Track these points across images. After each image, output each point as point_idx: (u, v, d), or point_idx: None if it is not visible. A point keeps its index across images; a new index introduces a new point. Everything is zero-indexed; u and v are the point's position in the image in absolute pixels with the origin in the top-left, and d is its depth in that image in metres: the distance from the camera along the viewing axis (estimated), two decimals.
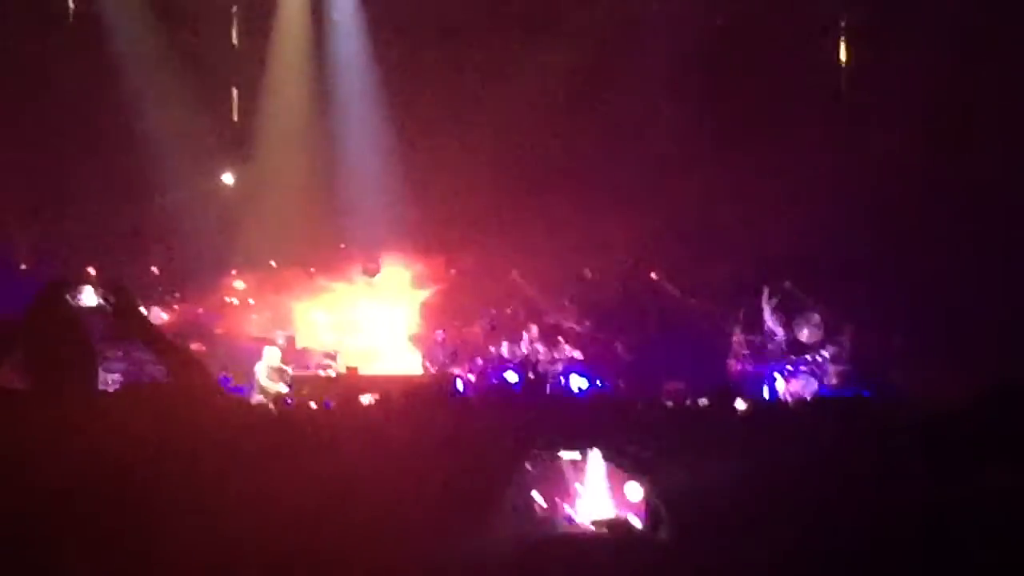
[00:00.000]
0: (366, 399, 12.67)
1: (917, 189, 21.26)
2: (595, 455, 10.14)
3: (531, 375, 21.07)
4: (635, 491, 9.35)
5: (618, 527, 9.30)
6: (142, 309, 5.83)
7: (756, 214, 22.44)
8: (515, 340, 23.17)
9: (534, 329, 23.24)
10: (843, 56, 24.66)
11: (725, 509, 6.48)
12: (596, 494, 10.04)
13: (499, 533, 6.54)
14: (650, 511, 8.65)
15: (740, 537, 6.13)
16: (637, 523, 9.02)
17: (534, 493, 9.25)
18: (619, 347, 23.43)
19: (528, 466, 8.92)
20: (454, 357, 23.16)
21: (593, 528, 9.56)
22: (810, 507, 6.05)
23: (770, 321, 21.60)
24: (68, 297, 5.89)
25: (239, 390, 19.65)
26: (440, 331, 24.05)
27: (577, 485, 10.14)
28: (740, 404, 13.34)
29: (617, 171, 24.38)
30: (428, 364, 23.70)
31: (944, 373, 17.18)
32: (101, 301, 5.71)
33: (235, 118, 25.53)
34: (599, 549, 6.68)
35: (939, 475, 6.22)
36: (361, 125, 25.41)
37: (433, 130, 24.75)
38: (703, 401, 16.37)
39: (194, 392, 5.47)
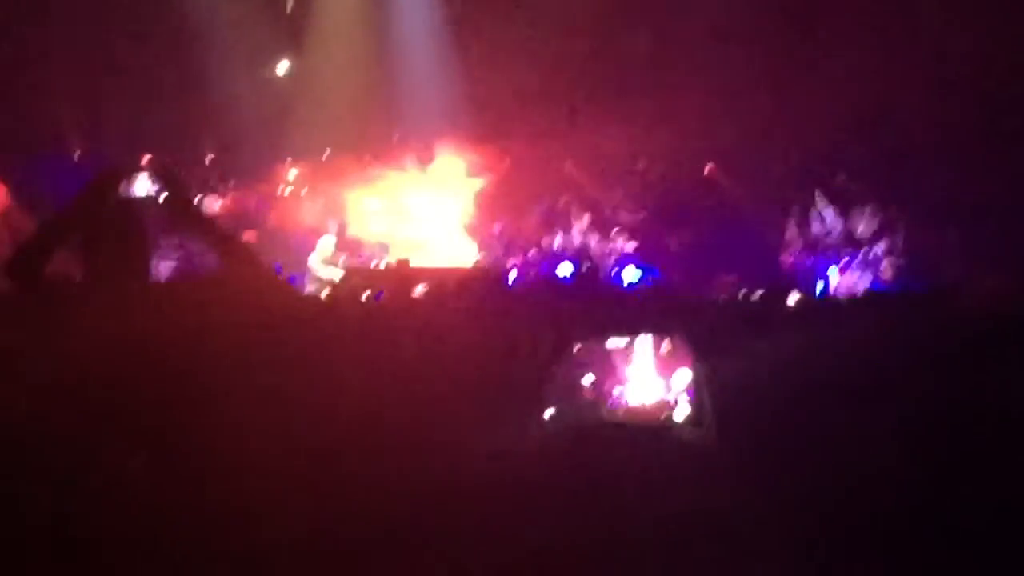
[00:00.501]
0: (418, 290, 12.72)
1: (976, 82, 21.05)
2: (643, 340, 10.20)
3: (586, 267, 21.03)
4: (683, 378, 9.40)
5: (664, 412, 9.37)
6: (196, 198, 5.87)
7: (812, 107, 22.29)
8: (568, 231, 23.15)
9: (585, 219, 23.21)
10: None
11: (772, 404, 6.51)
12: (644, 379, 10.11)
13: (545, 420, 6.61)
14: (696, 401, 8.70)
15: (784, 432, 6.17)
16: (684, 410, 9.07)
17: (583, 378, 9.32)
18: (672, 239, 23.39)
19: (576, 352, 8.96)
20: (508, 249, 23.16)
21: (640, 410, 9.63)
22: (857, 406, 6.08)
23: (826, 214, 21.56)
24: (121, 186, 5.95)
25: (292, 279, 19.73)
26: (498, 223, 24.01)
27: (626, 370, 10.21)
28: (793, 298, 13.35)
29: (672, 62, 24.24)
30: (483, 255, 23.72)
31: (998, 267, 17.12)
32: (154, 190, 5.76)
33: (289, 6, 25.46)
34: (641, 438, 6.71)
35: (988, 373, 6.23)
36: (416, 12, 25.31)
37: (490, 17, 24.66)
38: (757, 294, 16.37)
39: (245, 281, 5.53)
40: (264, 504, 5.04)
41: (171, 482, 4.97)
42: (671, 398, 9.63)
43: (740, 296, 16.57)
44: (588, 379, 9.44)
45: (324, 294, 18.66)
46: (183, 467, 5.01)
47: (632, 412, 9.76)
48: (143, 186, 5.81)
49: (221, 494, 5.00)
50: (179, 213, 5.68)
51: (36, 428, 5.04)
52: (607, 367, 10.13)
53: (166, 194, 5.67)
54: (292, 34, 25.42)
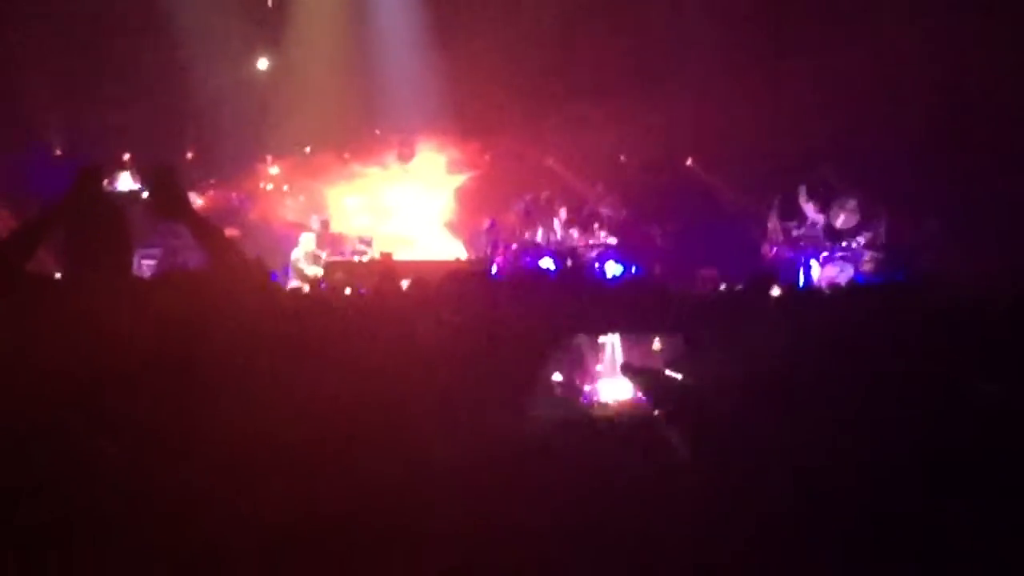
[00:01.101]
0: (403, 284, 12.68)
1: (950, 81, 21.19)
2: (615, 338, 10.19)
3: (569, 262, 20.99)
4: (664, 380, 9.36)
5: (636, 409, 9.33)
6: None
7: (791, 102, 22.37)
8: (549, 226, 23.15)
9: (563, 213, 23.17)
10: None
11: (756, 400, 6.49)
12: (615, 375, 10.10)
13: (531, 412, 6.58)
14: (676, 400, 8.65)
15: (769, 430, 6.13)
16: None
17: (555, 374, 9.27)
18: (655, 233, 23.42)
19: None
20: (495, 245, 23.14)
21: (611, 407, 9.60)
22: (841, 395, 6.05)
23: (807, 207, 21.60)
24: (104, 182, 5.91)
25: (273, 276, 19.68)
26: (488, 219, 23.96)
27: (598, 367, 10.21)
28: (775, 290, 13.35)
29: (654, 58, 24.25)
30: (469, 250, 23.73)
31: (978, 256, 17.22)
32: (137, 186, 5.74)
33: (269, 1, 25.42)
34: (617, 433, 6.68)
35: (966, 364, 6.23)
36: (397, 7, 25.27)
37: (469, 14, 24.64)
38: (738, 288, 16.35)
39: (232, 276, 5.49)
40: (245, 498, 5.00)
41: (154, 476, 4.92)
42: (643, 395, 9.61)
43: (722, 288, 16.56)
44: (557, 375, 9.38)
45: (306, 289, 18.60)
46: (166, 460, 4.96)
47: (612, 408, 9.73)
48: (126, 182, 5.77)
49: (203, 487, 4.96)
50: (168, 202, 5.61)
51: (18, 425, 5.00)
52: (580, 361, 10.14)
53: (154, 183, 5.61)
54: (272, 30, 25.34)
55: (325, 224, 23.71)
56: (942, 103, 21.29)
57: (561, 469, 5.64)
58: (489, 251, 22.89)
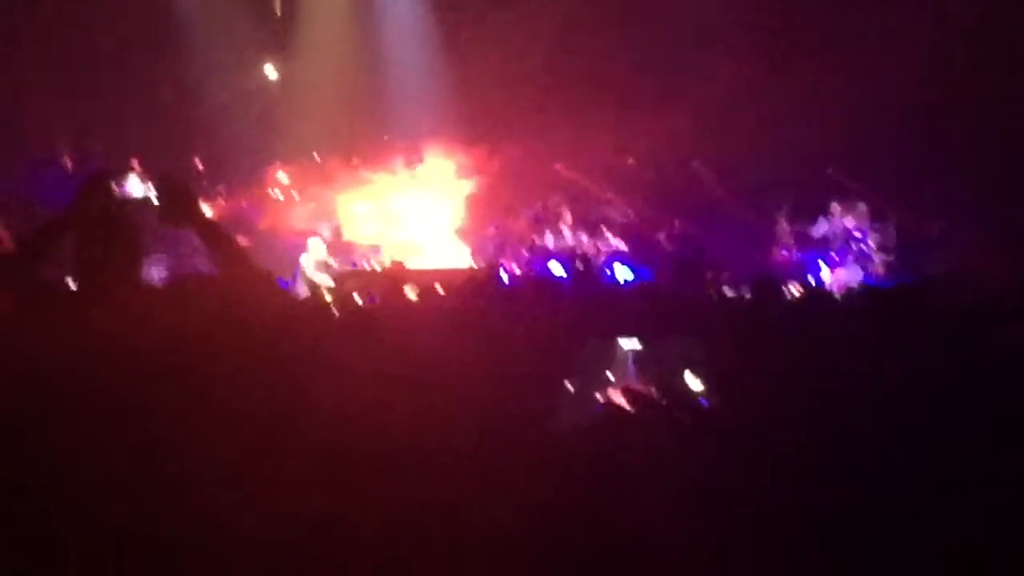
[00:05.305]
0: (411, 293, 12.59)
1: (955, 82, 21.14)
2: (631, 342, 10.13)
3: (580, 266, 20.77)
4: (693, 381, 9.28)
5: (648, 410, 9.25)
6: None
7: (799, 104, 22.33)
8: (558, 231, 23.10)
9: (568, 216, 23.14)
10: None
11: (768, 399, 6.41)
12: (625, 378, 10.03)
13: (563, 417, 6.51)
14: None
15: (780, 422, 6.06)
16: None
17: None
18: (662, 237, 23.32)
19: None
20: (501, 250, 23.09)
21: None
22: (854, 401, 5.98)
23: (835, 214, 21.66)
24: (113, 187, 5.82)
25: (283, 284, 19.59)
26: (492, 226, 23.94)
27: (607, 372, 10.14)
28: (789, 291, 13.28)
29: (663, 65, 24.17)
30: (477, 258, 23.63)
31: (984, 257, 17.17)
32: (147, 191, 5.66)
33: (278, 10, 25.39)
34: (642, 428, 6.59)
35: (975, 361, 6.16)
36: (404, 15, 25.24)
37: (477, 19, 24.58)
38: (747, 292, 16.26)
39: (242, 284, 5.41)
40: (257, 505, 4.91)
41: (159, 484, 4.84)
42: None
43: (729, 293, 16.49)
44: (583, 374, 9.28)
45: (316, 297, 18.50)
46: (172, 468, 4.88)
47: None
48: (135, 187, 5.69)
49: (209, 495, 4.88)
50: (177, 209, 5.53)
51: (24, 431, 4.94)
52: (588, 367, 10.03)
53: (161, 191, 5.52)
54: (280, 37, 25.31)
55: (336, 232, 23.61)
56: (947, 103, 21.24)
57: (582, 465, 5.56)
58: (496, 256, 22.83)
